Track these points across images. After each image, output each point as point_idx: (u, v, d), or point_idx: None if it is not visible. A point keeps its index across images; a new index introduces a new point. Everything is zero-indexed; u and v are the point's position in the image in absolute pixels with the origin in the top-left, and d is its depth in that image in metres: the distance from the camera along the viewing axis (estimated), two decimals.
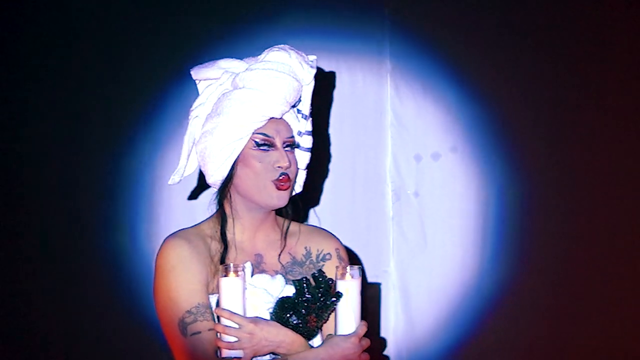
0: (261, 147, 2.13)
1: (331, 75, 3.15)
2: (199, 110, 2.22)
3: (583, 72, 3.13)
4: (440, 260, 3.17)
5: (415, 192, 3.19)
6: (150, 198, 3.19)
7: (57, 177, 3.20)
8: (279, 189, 2.12)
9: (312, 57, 2.21)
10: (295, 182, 2.23)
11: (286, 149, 2.15)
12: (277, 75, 2.11)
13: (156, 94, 3.20)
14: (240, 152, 2.14)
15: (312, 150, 2.27)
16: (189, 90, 3.08)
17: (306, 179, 2.29)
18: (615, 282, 3.09)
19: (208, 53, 3.11)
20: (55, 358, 3.19)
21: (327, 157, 3.18)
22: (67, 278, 3.18)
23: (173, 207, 3.18)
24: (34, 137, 3.20)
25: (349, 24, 3.19)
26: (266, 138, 2.13)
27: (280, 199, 2.14)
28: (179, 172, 2.24)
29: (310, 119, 2.24)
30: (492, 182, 3.16)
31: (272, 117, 2.13)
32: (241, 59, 2.22)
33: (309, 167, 2.28)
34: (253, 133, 2.13)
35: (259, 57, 2.20)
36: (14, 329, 3.20)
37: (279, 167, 2.12)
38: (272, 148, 2.13)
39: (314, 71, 2.17)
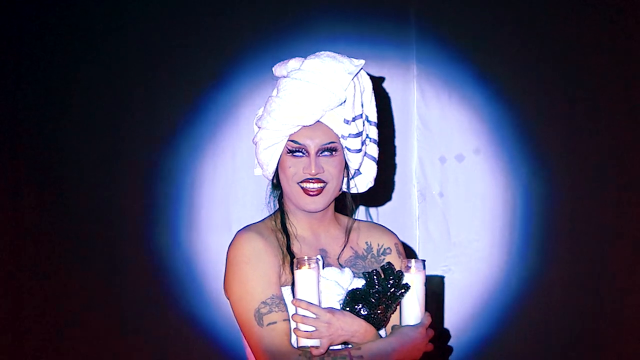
0: (294, 154, 2.21)
1: (380, 81, 3.23)
2: (260, 110, 2.32)
3: (609, 72, 3.21)
4: (465, 259, 3.24)
5: (440, 192, 3.27)
6: (190, 198, 3.28)
7: (102, 178, 3.29)
8: (307, 194, 2.20)
9: (359, 62, 2.22)
10: (343, 184, 2.29)
11: (324, 154, 2.21)
12: (303, 86, 2.16)
13: (196, 98, 3.28)
14: (280, 156, 2.23)
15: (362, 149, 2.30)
16: (228, 94, 3.24)
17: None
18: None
19: (248, 58, 3.25)
20: (97, 352, 3.27)
21: None
22: (110, 275, 3.27)
23: (212, 207, 3.27)
24: (79, 140, 3.30)
25: (375, 29, 3.25)
26: (298, 145, 2.20)
27: (315, 203, 2.21)
28: (258, 165, 2.34)
29: (359, 121, 2.24)
30: (517, 182, 3.23)
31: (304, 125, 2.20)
32: (305, 57, 2.26)
33: (378, 164, 2.34)
34: (287, 139, 2.21)
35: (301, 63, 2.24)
36: (56, 325, 3.29)
37: (307, 173, 2.19)
38: (305, 155, 2.20)
39: (349, 77, 2.18)
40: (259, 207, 3.08)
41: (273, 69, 2.31)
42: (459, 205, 3.27)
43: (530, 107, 3.25)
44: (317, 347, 2.07)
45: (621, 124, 3.20)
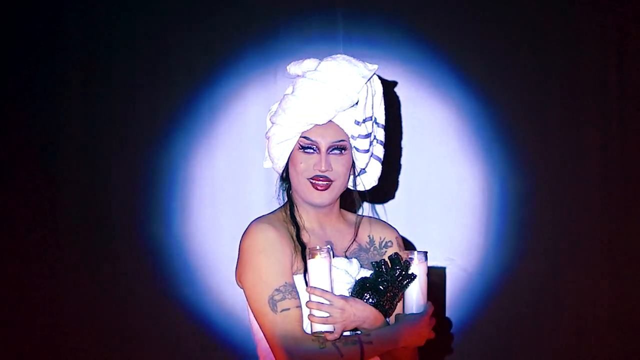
0: (306, 150, 2.31)
1: (393, 84, 3.31)
2: (274, 106, 2.41)
3: (588, 68, 3.32)
4: (442, 254, 3.30)
5: (421, 185, 3.34)
6: (183, 193, 3.36)
7: (96, 173, 3.36)
8: (315, 188, 2.30)
9: (372, 67, 2.32)
10: (349, 181, 2.40)
11: (333, 152, 2.31)
12: (318, 87, 2.26)
13: (188, 95, 3.35)
14: (292, 151, 2.33)
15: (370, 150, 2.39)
16: (221, 91, 3.32)
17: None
18: (611, 268, 3.30)
19: (240, 55, 3.33)
20: (91, 342, 3.33)
21: None
22: (106, 267, 3.35)
23: (204, 201, 3.35)
24: (74, 136, 3.36)
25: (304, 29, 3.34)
26: (309, 142, 2.30)
27: (321, 198, 2.31)
28: (268, 158, 2.43)
29: (368, 123, 2.33)
30: (495, 179, 3.32)
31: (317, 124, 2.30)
32: (320, 59, 2.34)
33: (383, 164, 2.43)
34: (300, 136, 2.31)
35: (317, 64, 2.34)
36: (52, 317, 3.34)
37: (317, 169, 2.29)
38: (316, 151, 2.30)
39: (363, 81, 2.28)
40: (248, 200, 3.28)
41: (288, 67, 2.40)
42: (434, 202, 3.34)
43: (507, 104, 3.34)
44: (331, 333, 2.15)
45: (600, 121, 3.32)
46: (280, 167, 2.38)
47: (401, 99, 3.33)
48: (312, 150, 2.30)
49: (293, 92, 2.31)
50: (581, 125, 3.33)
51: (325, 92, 2.25)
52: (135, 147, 3.35)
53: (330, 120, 2.30)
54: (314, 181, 2.29)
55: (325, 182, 2.29)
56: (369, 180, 2.45)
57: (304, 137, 2.30)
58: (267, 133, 2.38)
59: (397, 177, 3.35)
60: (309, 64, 2.35)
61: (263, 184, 3.21)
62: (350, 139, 2.34)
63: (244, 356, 3.19)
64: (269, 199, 2.48)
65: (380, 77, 2.40)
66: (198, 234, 3.33)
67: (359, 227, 2.43)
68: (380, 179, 2.46)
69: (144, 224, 3.34)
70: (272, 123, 2.34)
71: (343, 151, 2.32)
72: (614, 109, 3.31)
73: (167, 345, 3.31)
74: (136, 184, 3.35)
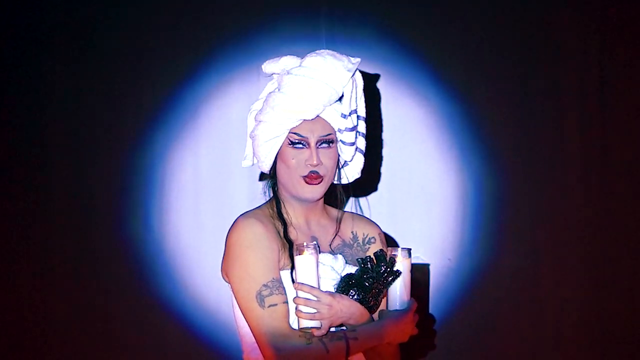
0: (295, 146, 2.33)
1: (375, 78, 3.33)
2: (256, 104, 2.43)
3: (561, 67, 3.36)
4: (419, 251, 3.28)
5: (399, 183, 3.37)
6: (161, 192, 3.35)
7: (77, 171, 3.35)
8: (308, 183, 2.32)
9: (355, 60, 2.36)
10: (335, 175, 2.41)
11: (322, 146, 2.34)
12: (307, 82, 2.28)
13: (167, 94, 3.36)
14: (280, 148, 2.35)
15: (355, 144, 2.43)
16: (203, 89, 3.34)
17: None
18: (590, 264, 3.34)
19: (219, 54, 3.35)
20: (71, 345, 3.32)
21: None
22: (86, 267, 3.34)
23: (186, 199, 3.35)
24: (53, 137, 3.36)
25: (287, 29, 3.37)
26: (299, 137, 2.32)
27: (313, 192, 2.33)
28: (247, 157, 2.45)
29: (353, 116, 2.38)
30: (470, 176, 3.35)
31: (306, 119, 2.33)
32: (302, 57, 2.37)
33: (365, 156, 2.46)
34: (289, 132, 2.33)
35: (302, 60, 2.37)
36: (32, 315, 3.32)
37: (309, 164, 2.32)
38: (306, 146, 2.33)
39: (349, 74, 2.32)
40: (230, 198, 3.28)
41: (263, 66, 2.42)
42: (412, 199, 3.37)
43: (482, 101, 3.37)
44: (318, 329, 2.17)
45: (578, 119, 3.35)
46: (268, 164, 2.39)
47: (381, 97, 3.36)
48: (301, 146, 2.32)
49: (280, 89, 2.32)
50: (559, 124, 3.37)
51: (314, 87, 2.28)
52: (117, 144, 3.35)
53: (318, 115, 2.33)
54: (307, 178, 2.31)
55: (317, 177, 2.32)
56: (351, 172, 2.48)
57: (294, 133, 2.32)
58: (252, 132, 2.39)
59: (380, 169, 3.36)
60: (290, 60, 2.37)
61: (246, 181, 3.23)
62: (337, 133, 2.37)
63: (227, 355, 3.20)
64: (252, 197, 2.52)
65: (360, 71, 2.42)
66: (180, 232, 3.33)
67: (340, 222, 2.46)
68: (362, 171, 2.50)
69: (124, 223, 3.34)
70: (258, 121, 2.35)
71: (331, 144, 2.35)
72: (594, 109, 3.36)
73: (149, 345, 3.30)
74: (118, 181, 3.35)
